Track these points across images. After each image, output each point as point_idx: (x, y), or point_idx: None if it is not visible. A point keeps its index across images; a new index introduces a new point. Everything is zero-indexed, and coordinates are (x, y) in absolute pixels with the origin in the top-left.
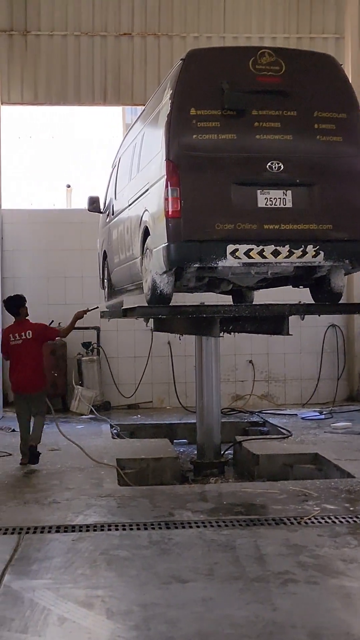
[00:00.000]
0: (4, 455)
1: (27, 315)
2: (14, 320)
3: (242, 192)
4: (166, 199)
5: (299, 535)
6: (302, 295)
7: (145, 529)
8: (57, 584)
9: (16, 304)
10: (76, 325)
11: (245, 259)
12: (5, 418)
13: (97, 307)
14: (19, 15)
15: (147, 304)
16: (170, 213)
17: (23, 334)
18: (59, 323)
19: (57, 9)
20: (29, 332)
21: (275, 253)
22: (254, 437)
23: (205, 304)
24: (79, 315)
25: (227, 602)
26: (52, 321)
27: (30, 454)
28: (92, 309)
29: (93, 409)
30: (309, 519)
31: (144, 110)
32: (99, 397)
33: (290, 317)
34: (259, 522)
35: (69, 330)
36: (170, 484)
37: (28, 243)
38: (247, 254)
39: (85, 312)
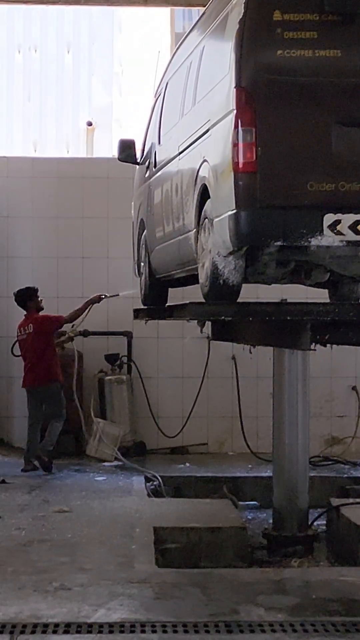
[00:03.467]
0: None
1: (41, 308)
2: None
3: (348, 136)
4: (235, 145)
5: None
6: None
7: (196, 631)
8: None
9: (22, 297)
10: (98, 330)
11: (352, 236)
12: None
13: (118, 295)
14: None
15: (203, 300)
16: (241, 165)
17: (27, 327)
18: (72, 325)
19: None
20: (30, 326)
21: None
22: (358, 500)
23: (289, 301)
24: (94, 300)
25: None
26: None
27: (42, 466)
28: (111, 296)
29: (118, 454)
30: None
31: (203, 13)
32: (129, 435)
33: None
34: None
35: (78, 314)
36: (233, 567)
37: (30, 207)
38: (353, 228)
39: (101, 297)
